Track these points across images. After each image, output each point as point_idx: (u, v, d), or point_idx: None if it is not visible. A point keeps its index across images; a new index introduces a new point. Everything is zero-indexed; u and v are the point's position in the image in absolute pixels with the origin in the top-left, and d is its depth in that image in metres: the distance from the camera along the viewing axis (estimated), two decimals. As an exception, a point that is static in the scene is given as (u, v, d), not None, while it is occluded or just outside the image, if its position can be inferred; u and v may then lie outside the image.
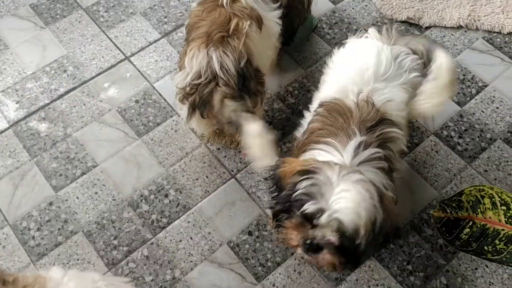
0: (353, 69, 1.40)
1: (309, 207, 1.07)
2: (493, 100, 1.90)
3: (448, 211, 1.13)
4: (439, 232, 1.12)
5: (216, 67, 1.41)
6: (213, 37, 1.43)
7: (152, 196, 1.69)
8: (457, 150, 1.79)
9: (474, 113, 1.87)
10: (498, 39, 2.06)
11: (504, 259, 1.08)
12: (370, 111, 1.28)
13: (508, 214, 1.07)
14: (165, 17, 2.08)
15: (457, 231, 1.12)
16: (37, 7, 2.09)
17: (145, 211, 1.66)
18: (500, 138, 1.81)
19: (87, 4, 2.10)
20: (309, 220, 1.09)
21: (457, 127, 1.84)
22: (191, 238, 1.61)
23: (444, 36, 2.07)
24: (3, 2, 2.11)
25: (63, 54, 1.98)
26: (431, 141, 1.81)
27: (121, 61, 1.97)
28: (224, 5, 1.47)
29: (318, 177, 1.10)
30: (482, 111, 1.88)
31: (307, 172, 1.13)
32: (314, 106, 1.46)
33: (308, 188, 1.09)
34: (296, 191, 1.11)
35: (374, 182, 1.13)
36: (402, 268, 1.57)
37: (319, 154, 1.24)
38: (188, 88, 1.47)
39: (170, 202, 1.68)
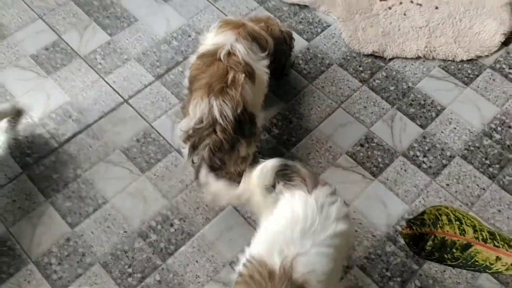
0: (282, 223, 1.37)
1: None
2: (451, 122, 2.19)
3: (414, 228, 1.38)
4: (408, 246, 1.36)
5: (217, 113, 1.64)
6: (213, 88, 1.67)
7: (159, 226, 1.89)
8: (423, 168, 2.06)
9: (435, 134, 2.15)
10: (452, 67, 2.36)
11: (461, 264, 1.33)
12: (283, 281, 1.25)
13: (461, 228, 1.32)
14: (157, 61, 2.30)
15: (422, 244, 1.36)
16: (37, 57, 2.28)
17: (154, 240, 1.86)
18: (459, 155, 2.10)
19: (85, 53, 2.30)
20: None
21: (421, 147, 2.12)
22: (196, 261, 1.82)
23: (405, 66, 2.36)
24: (4, 54, 2.29)
25: (66, 100, 2.17)
26: (400, 161, 2.08)
27: (120, 104, 2.18)
28: (222, 58, 1.70)
29: None
30: (442, 132, 2.16)
31: None
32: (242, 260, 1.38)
33: None
34: None
35: None
36: (382, 275, 1.82)
37: None
38: (190, 131, 1.70)
39: (175, 230, 1.89)
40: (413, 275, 1.82)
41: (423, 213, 1.38)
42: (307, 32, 2.44)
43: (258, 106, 1.91)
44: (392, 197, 1.98)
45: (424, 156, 2.10)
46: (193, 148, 1.70)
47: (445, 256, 1.37)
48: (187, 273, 1.80)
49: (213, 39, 1.83)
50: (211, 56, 1.75)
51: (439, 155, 2.10)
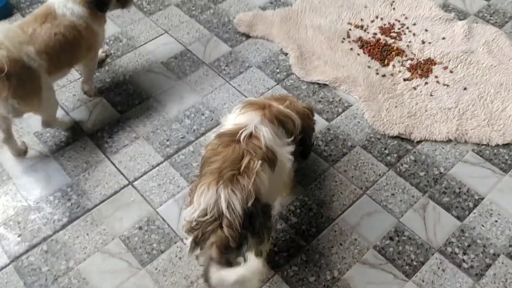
0: None
1: None
2: (491, 213, 1.95)
3: None
4: None
5: (223, 206, 1.44)
6: (223, 175, 1.48)
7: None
8: (463, 268, 1.79)
9: (474, 227, 1.91)
10: (487, 151, 2.16)
11: None
12: None
13: None
14: (167, 140, 2.16)
15: None
16: (41, 136, 2.16)
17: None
18: (503, 253, 1.83)
19: (92, 131, 2.18)
20: None
21: (460, 243, 1.86)
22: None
23: (435, 150, 2.17)
24: (8, 130, 2.17)
25: (67, 182, 2.00)
26: (436, 258, 1.82)
27: (124, 186, 2.00)
28: (241, 141, 1.54)
29: None
30: (482, 225, 1.91)
31: None
32: None
33: None
34: None
35: None
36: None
37: None
38: (194, 223, 1.49)
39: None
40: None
41: None
42: (327, 111, 2.30)
43: (275, 196, 1.71)
44: (429, 303, 1.70)
45: (464, 253, 1.83)
46: (195, 243, 1.48)
47: None
48: None
49: (235, 119, 1.68)
50: (230, 137, 1.58)
51: (481, 252, 1.83)
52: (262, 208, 1.53)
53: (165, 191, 1.99)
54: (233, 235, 1.45)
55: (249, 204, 1.46)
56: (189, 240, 1.53)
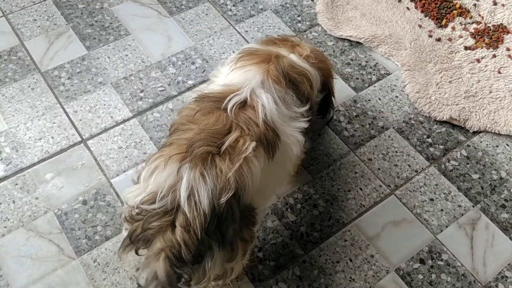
0: None
1: None
2: None
3: None
4: None
5: (183, 194, 0.93)
6: (194, 149, 0.97)
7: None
8: (521, 318, 1.26)
9: (542, 261, 1.36)
10: None
11: None
12: None
13: None
14: (142, 91, 1.65)
15: None
16: (-14, 66, 1.68)
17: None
18: None
19: (48, 68, 1.69)
20: None
21: (519, 281, 1.32)
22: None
23: (497, 146, 1.60)
24: None
25: (2, 129, 1.53)
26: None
27: (75, 144, 1.52)
28: (228, 110, 1.02)
29: None
30: (553, 259, 1.37)
31: None
32: None
33: None
34: None
35: None
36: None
37: None
38: (135, 211, 0.99)
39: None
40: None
41: None
42: (357, 78, 1.74)
43: (268, 196, 1.19)
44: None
45: (525, 297, 1.30)
46: (131, 240, 0.99)
47: None
48: None
49: (227, 76, 1.15)
50: (215, 102, 1.06)
51: (549, 298, 1.30)
52: (243, 211, 1.01)
53: (126, 157, 1.50)
54: (188, 242, 0.94)
55: (223, 199, 0.95)
56: (124, 232, 1.05)
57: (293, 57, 1.19)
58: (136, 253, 1.00)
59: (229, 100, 1.04)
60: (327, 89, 1.30)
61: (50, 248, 1.32)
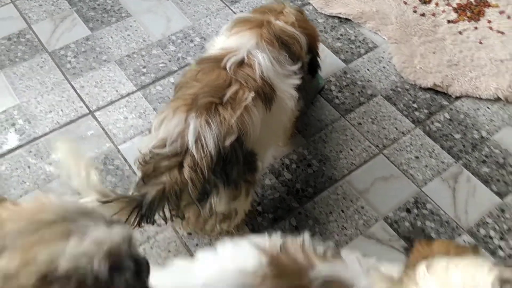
0: None
1: None
2: (544, 193, 1.50)
3: None
4: None
5: (190, 139, 1.05)
6: (199, 100, 1.08)
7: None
8: (499, 256, 1.36)
9: (519, 208, 1.47)
10: (545, 116, 1.69)
11: None
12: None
13: None
14: (144, 67, 1.76)
15: None
16: (-3, 48, 1.79)
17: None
18: (556, 245, 1.39)
19: (55, 48, 1.79)
20: None
21: (498, 225, 1.43)
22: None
23: (478, 109, 1.71)
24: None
25: (15, 104, 1.64)
26: (464, 241, 1.39)
27: (83, 116, 1.63)
28: (227, 68, 1.13)
29: None
30: (530, 206, 1.47)
31: None
32: None
33: None
34: None
35: None
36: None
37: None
38: (148, 156, 1.10)
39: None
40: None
41: None
42: (346, 51, 1.85)
43: (268, 145, 1.30)
44: None
45: (501, 238, 1.40)
46: (143, 181, 1.10)
47: None
48: None
49: (224, 42, 1.26)
50: (214, 62, 1.17)
51: (526, 240, 1.40)
52: (246, 155, 1.13)
53: (132, 126, 1.61)
54: (195, 180, 1.06)
55: (227, 143, 1.07)
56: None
57: (281, 23, 1.30)
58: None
59: (228, 60, 1.16)
60: (313, 51, 1.40)
61: (64, 207, 1.42)
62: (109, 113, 1.64)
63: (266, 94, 1.15)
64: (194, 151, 1.05)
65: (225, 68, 1.15)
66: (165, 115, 1.11)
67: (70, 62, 1.76)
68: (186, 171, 1.04)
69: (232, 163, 1.09)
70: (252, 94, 1.10)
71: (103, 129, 1.60)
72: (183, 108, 1.09)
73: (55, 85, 1.69)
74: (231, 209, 1.18)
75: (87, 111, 1.64)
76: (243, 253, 0.84)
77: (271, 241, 0.86)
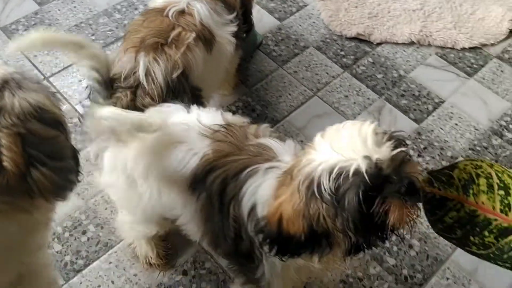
0: None
1: (362, 172, 0.76)
2: (451, 117, 1.76)
3: (436, 185, 0.90)
4: (423, 208, 0.89)
5: (141, 73, 1.21)
6: (146, 41, 1.24)
7: (67, 234, 1.41)
8: (418, 170, 1.62)
9: (432, 130, 1.72)
10: (452, 55, 1.95)
11: (491, 255, 0.85)
12: (230, 131, 1.07)
13: (506, 202, 0.85)
14: (93, 35, 1.88)
15: (441, 213, 0.89)
16: None
17: (58, 252, 1.37)
18: (462, 156, 1.66)
19: (6, 23, 1.87)
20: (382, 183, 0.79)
21: (416, 145, 1.68)
22: (112, 282, 1.33)
23: (396, 53, 1.95)
24: None
25: None
26: (389, 161, 1.64)
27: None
28: (169, 16, 1.28)
29: (318, 162, 0.80)
30: (441, 128, 1.73)
31: (311, 181, 0.81)
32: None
33: (334, 175, 0.78)
34: (335, 198, 0.79)
35: None
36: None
37: (262, 182, 0.96)
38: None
39: (88, 240, 1.40)
40: None
41: (453, 166, 0.91)
42: (280, 11, 2.05)
43: (212, 85, 1.47)
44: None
45: (419, 155, 1.66)
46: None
47: (471, 238, 0.89)
48: None
49: None
50: (158, 12, 1.32)
51: (438, 155, 1.66)
52: (192, 89, 1.30)
53: (87, 87, 1.73)
54: (147, 106, 1.22)
55: (174, 76, 1.23)
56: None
57: None
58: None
59: (170, 9, 1.31)
60: (246, 5, 1.58)
61: (30, 163, 1.54)
62: (63, 77, 1.75)
63: (206, 37, 1.32)
64: (145, 83, 1.21)
65: (167, 16, 1.30)
66: (115, 54, 1.26)
67: (22, 35, 1.85)
68: (139, 99, 1.20)
69: (180, 93, 1.25)
70: (194, 34, 1.27)
71: (59, 91, 1.71)
72: (132, 49, 1.24)
73: (9, 56, 1.78)
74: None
75: (42, 77, 1.74)
76: (207, 115, 1.07)
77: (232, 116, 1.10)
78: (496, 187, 0.87)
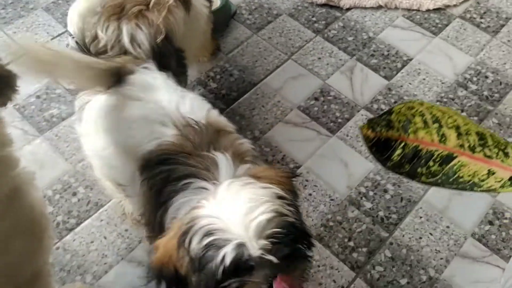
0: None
1: (227, 255, 0.77)
2: (419, 72, 1.86)
3: (378, 130, 1.00)
4: (370, 152, 0.98)
5: (126, 40, 1.26)
6: (126, 8, 1.29)
7: (57, 196, 1.46)
8: (389, 122, 1.71)
9: (402, 85, 1.82)
10: (418, 16, 2.05)
11: (439, 181, 0.95)
12: (199, 130, 1.02)
13: (441, 132, 0.95)
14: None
15: (389, 152, 0.99)
16: None
17: (50, 213, 1.43)
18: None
19: (-19, 1, 1.90)
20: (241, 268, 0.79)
21: (387, 100, 1.78)
22: (104, 237, 1.40)
23: (365, 16, 2.04)
24: None
25: None
26: (361, 115, 1.73)
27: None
28: None
29: (205, 219, 0.80)
30: (410, 83, 1.83)
31: (187, 231, 0.81)
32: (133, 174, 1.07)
33: (206, 240, 0.79)
34: (197, 258, 0.81)
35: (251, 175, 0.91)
36: (343, 245, 1.42)
37: (188, 202, 0.92)
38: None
39: (79, 200, 1.46)
40: (382, 244, 1.42)
41: (390, 111, 1.00)
42: (252, -19, 2.11)
43: (192, 47, 1.53)
44: (353, 155, 1.61)
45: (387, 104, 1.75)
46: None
47: (419, 170, 0.98)
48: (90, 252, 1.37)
49: None
50: None
51: (408, 107, 1.76)
52: (176, 51, 1.36)
53: (68, 60, 1.78)
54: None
55: (158, 39, 1.29)
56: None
57: None
58: None
59: None
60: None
61: (15, 132, 1.58)
62: (44, 52, 1.79)
63: (184, 0, 1.38)
64: (132, 50, 1.26)
65: None
66: (99, 24, 1.31)
67: (-2, 13, 1.88)
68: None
69: (167, 57, 1.32)
70: None
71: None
72: (113, 17, 1.30)
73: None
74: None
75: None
76: (192, 102, 1.07)
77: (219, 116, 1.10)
78: (430, 122, 0.96)
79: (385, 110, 1.06)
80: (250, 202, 0.80)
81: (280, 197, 0.85)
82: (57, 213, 1.43)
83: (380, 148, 0.94)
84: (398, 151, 0.93)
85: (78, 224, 1.42)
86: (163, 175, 0.97)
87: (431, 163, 0.92)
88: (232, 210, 0.80)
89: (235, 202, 0.81)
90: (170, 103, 1.05)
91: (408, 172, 0.93)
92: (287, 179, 0.95)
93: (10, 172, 0.82)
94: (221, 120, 1.09)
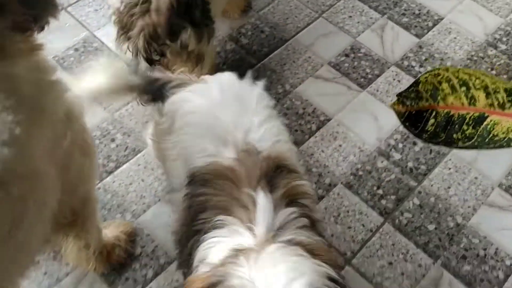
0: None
1: None
2: (450, 31, 1.86)
3: (408, 103, 1.02)
4: (404, 127, 1.01)
5: None
6: None
7: (96, 142, 1.52)
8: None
9: (433, 44, 1.82)
10: (449, -24, 2.04)
11: (476, 143, 0.98)
12: (257, 161, 0.91)
13: (469, 95, 0.97)
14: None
15: (422, 124, 1.01)
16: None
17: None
18: (461, 65, 1.77)
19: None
20: None
21: (417, 57, 1.78)
22: (142, 180, 1.46)
23: (396, -24, 2.03)
24: None
25: None
26: (392, 71, 1.74)
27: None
28: None
29: (239, 279, 0.71)
30: (441, 42, 1.83)
31: (217, 284, 0.73)
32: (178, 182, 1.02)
33: None
34: None
35: (300, 242, 0.81)
36: (372, 193, 1.46)
37: (219, 243, 0.82)
38: (122, 7, 1.34)
39: (117, 146, 1.52)
40: (411, 193, 1.46)
41: (416, 82, 1.03)
42: None
43: (222, 1, 1.56)
44: (383, 109, 1.63)
45: (421, 66, 1.76)
46: (123, 30, 1.34)
47: (454, 136, 1.02)
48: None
49: None
50: None
51: (439, 65, 1.76)
52: (202, 2, 1.39)
53: (103, 15, 1.82)
54: (160, 22, 1.31)
55: None
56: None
57: None
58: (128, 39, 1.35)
59: None
60: None
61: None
62: (80, 7, 1.83)
63: None
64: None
65: None
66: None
67: None
68: (152, 13, 1.29)
69: (192, 7, 1.35)
70: None
71: (77, 20, 1.80)
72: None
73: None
74: (198, 49, 1.43)
75: (60, 8, 1.82)
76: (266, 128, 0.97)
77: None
78: (457, 86, 0.98)
79: (412, 82, 1.07)
80: (293, 274, 0.71)
81: (330, 279, 0.75)
82: (97, 157, 1.49)
83: (413, 121, 0.96)
84: (431, 121, 0.95)
85: (117, 168, 1.48)
86: (202, 198, 0.89)
87: (464, 126, 0.94)
88: (270, 281, 0.70)
89: (276, 272, 0.71)
90: (243, 123, 0.94)
91: (445, 140, 0.95)
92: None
93: (65, 94, 0.87)
94: (288, 156, 0.97)
